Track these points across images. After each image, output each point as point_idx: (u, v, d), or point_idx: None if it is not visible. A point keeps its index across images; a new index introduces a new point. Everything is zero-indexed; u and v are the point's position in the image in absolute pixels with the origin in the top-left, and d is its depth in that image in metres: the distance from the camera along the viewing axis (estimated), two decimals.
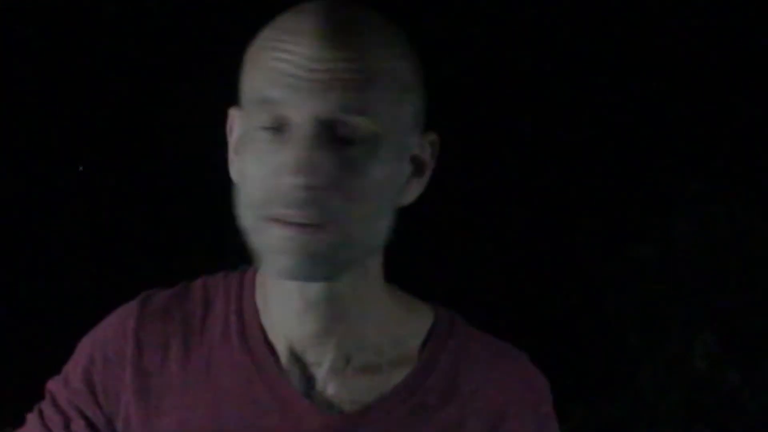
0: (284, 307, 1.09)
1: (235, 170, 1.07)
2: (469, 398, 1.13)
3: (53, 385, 1.12)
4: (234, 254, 1.22)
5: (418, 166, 1.06)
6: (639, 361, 3.35)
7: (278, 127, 1.01)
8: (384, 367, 1.12)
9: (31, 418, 1.12)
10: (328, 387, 1.10)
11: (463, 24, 2.97)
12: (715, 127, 3.27)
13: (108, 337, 1.13)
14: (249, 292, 1.14)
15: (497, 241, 3.10)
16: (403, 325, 1.14)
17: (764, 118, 3.24)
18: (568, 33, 3.09)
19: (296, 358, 1.11)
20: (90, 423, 1.10)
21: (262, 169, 1.01)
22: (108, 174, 2.58)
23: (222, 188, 1.16)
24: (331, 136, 1.00)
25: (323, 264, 1.02)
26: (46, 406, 1.11)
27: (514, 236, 3.14)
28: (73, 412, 1.10)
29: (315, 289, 1.07)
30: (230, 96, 1.16)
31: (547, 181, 3.13)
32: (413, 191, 1.06)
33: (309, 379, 1.11)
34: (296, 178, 0.99)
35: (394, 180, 1.04)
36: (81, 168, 2.49)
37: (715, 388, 3.32)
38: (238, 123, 1.07)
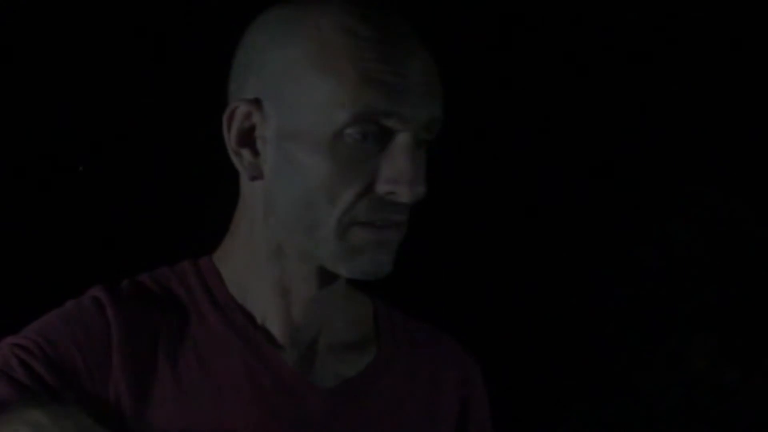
0: (292, 294, 1.12)
1: (251, 166, 1.07)
2: (435, 371, 1.20)
3: (22, 353, 1.06)
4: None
5: None
6: (638, 360, 3.35)
7: (374, 135, 1.04)
8: (360, 341, 1.18)
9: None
10: (326, 364, 1.14)
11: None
12: (715, 126, 3.27)
13: (89, 322, 1.10)
14: (216, 283, 1.15)
15: (496, 240, 3.10)
16: (358, 304, 1.20)
17: (764, 117, 3.25)
18: (566, 31, 3.09)
19: (294, 341, 1.13)
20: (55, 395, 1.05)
21: (352, 176, 1.04)
22: (108, 174, 2.58)
23: (224, 188, 1.16)
24: (417, 142, 1.05)
25: (394, 258, 1.09)
26: (17, 371, 1.05)
27: (512, 236, 3.15)
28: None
29: (331, 276, 1.11)
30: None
31: (546, 181, 3.13)
32: None
33: (307, 360, 1.13)
34: (404, 187, 1.04)
35: None
36: (81, 168, 2.49)
37: (715, 388, 3.32)
38: (259, 119, 1.07)
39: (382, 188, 1.04)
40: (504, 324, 3.01)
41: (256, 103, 1.06)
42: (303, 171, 1.04)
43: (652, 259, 3.32)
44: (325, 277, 1.11)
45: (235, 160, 1.08)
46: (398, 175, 1.03)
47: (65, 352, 1.07)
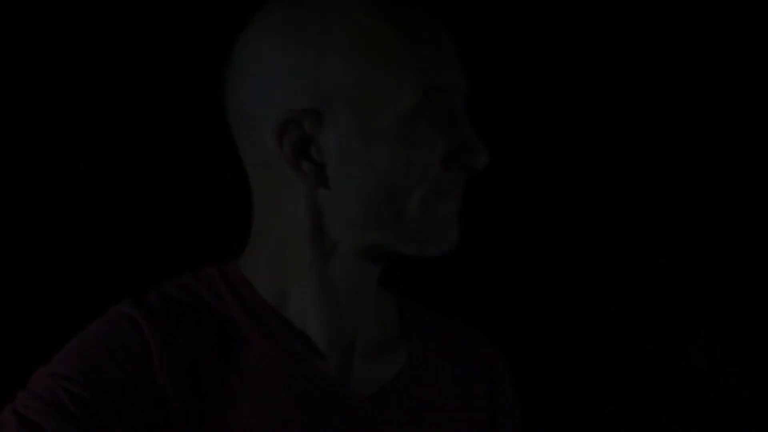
0: (337, 294, 1.12)
1: (313, 176, 1.06)
2: (464, 364, 1.21)
3: (69, 384, 1.03)
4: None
5: None
6: (638, 360, 3.35)
7: (437, 110, 1.06)
8: (390, 341, 1.18)
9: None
10: (363, 369, 1.14)
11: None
12: (717, 125, 3.27)
13: (126, 343, 1.08)
14: (247, 291, 1.14)
15: (491, 239, 3.10)
16: (384, 301, 1.20)
17: (766, 116, 3.24)
18: (567, 27, 3.09)
19: (334, 345, 1.13)
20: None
21: (427, 154, 1.05)
22: (109, 174, 2.58)
23: (228, 190, 1.16)
24: None
25: None
26: (56, 410, 1.02)
27: (509, 235, 3.14)
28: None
29: (378, 267, 1.12)
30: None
31: (545, 179, 3.13)
32: None
33: (346, 365, 1.13)
34: (477, 155, 1.07)
35: None
36: (81, 168, 2.49)
37: (715, 388, 3.32)
38: (312, 126, 1.06)
39: (457, 159, 1.06)
40: (501, 323, 3.00)
41: (305, 111, 1.06)
42: (377, 165, 1.04)
43: (651, 259, 3.32)
44: (370, 272, 1.10)
45: (293, 173, 1.07)
46: (469, 144, 1.06)
47: (111, 376, 1.04)
